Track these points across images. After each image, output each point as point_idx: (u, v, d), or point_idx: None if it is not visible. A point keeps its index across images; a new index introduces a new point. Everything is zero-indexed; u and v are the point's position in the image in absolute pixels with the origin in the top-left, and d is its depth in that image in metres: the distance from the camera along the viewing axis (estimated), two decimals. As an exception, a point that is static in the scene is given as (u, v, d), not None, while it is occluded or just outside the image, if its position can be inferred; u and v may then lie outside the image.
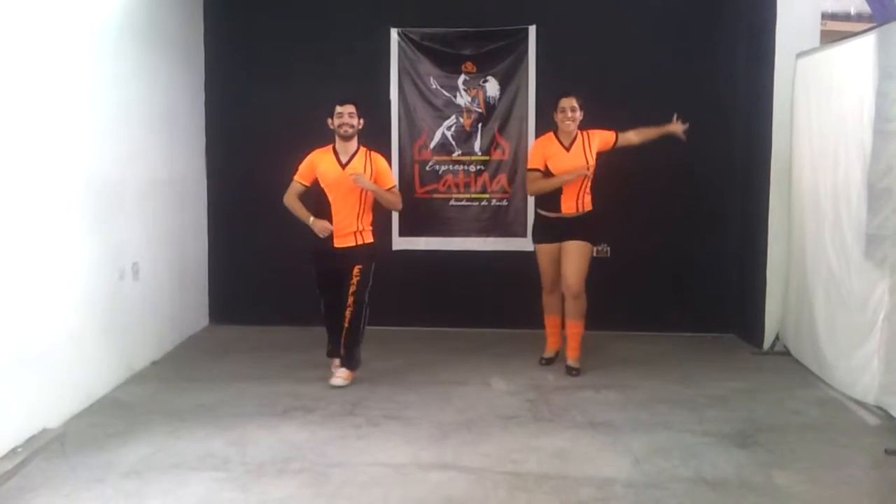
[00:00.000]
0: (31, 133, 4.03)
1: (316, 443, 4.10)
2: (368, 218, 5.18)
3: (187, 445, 4.04)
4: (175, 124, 6.15)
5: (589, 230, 5.37)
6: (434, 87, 6.76)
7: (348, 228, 5.06)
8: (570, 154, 5.31)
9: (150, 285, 5.58)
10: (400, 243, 6.83)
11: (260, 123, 6.66)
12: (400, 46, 6.73)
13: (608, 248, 6.57)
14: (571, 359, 5.42)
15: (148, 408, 4.65)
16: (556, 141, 5.38)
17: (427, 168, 6.82)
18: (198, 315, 6.71)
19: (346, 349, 5.12)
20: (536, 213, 5.63)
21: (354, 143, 5.08)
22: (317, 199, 5.09)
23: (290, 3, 6.73)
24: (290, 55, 6.68)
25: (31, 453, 3.80)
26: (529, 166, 5.45)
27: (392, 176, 5.29)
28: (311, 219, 5.03)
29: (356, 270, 5.06)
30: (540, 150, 5.41)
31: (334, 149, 5.09)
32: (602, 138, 5.40)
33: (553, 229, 5.39)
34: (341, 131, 5.02)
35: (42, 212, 4.13)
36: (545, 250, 5.45)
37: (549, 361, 5.59)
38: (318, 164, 5.06)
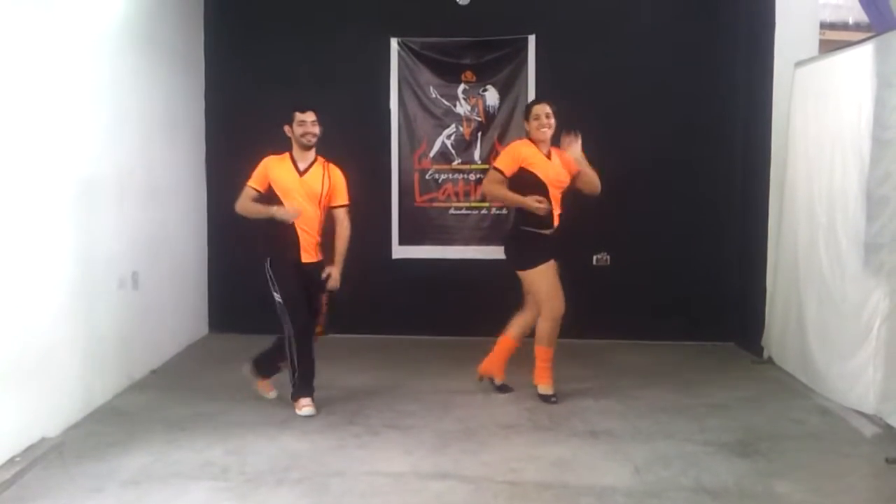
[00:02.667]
0: (32, 140, 4.03)
1: (315, 452, 4.09)
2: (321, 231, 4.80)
3: (186, 454, 4.03)
4: (175, 132, 6.16)
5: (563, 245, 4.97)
6: (434, 96, 6.77)
7: (310, 239, 4.72)
8: (551, 162, 4.88)
9: (150, 294, 5.58)
10: (400, 252, 6.83)
11: (260, 131, 6.61)
12: (400, 56, 6.75)
13: (608, 257, 6.58)
14: (548, 385, 5.02)
15: (147, 417, 4.64)
16: (533, 146, 4.88)
17: (427, 177, 6.83)
18: (197, 324, 6.71)
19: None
20: (526, 233, 4.89)
21: (313, 151, 4.76)
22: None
23: (290, 11, 6.76)
24: (290, 63, 6.70)
25: (30, 462, 3.79)
26: (497, 165, 4.89)
27: (346, 193, 4.83)
28: (274, 208, 4.62)
29: (325, 299, 4.76)
30: (516, 155, 4.86)
31: (291, 156, 4.75)
32: (568, 165, 4.92)
33: (551, 246, 4.90)
34: (304, 140, 4.68)
35: (41, 219, 4.13)
36: (549, 268, 4.87)
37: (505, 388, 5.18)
38: (272, 171, 4.70)
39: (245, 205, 4.73)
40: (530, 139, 4.93)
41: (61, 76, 4.37)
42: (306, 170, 4.75)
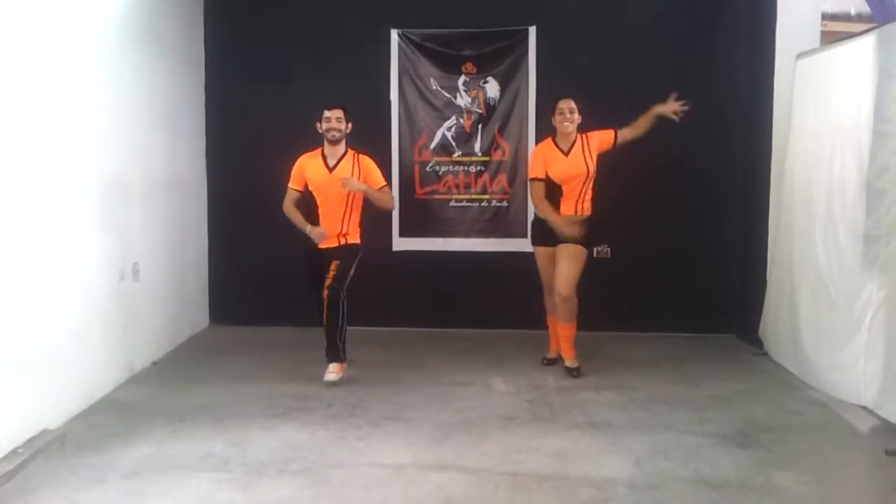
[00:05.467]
0: (33, 135, 4.03)
1: (316, 443, 4.10)
2: (355, 220, 5.25)
3: (188, 446, 4.04)
4: (175, 126, 6.15)
5: (584, 233, 5.30)
6: (434, 87, 6.76)
7: (332, 232, 5.17)
8: (568, 159, 5.27)
9: (151, 286, 5.58)
10: (400, 244, 6.84)
11: (260, 125, 6.67)
12: (400, 47, 6.74)
13: (608, 249, 6.58)
14: (569, 360, 5.42)
15: (148, 408, 4.65)
16: (554, 146, 5.32)
17: (427, 169, 6.83)
18: (198, 315, 6.71)
19: (326, 342, 5.16)
20: (536, 217, 5.54)
21: (342, 146, 5.16)
22: (307, 203, 5.21)
23: (290, 4, 6.74)
24: (289, 57, 6.69)
25: (32, 454, 3.80)
26: (532, 176, 5.39)
27: (381, 175, 5.29)
28: (308, 227, 5.13)
29: (334, 265, 5.11)
30: (540, 158, 5.35)
31: (322, 153, 5.17)
32: (601, 138, 5.33)
33: (551, 232, 5.30)
34: (329, 136, 5.09)
35: (43, 212, 4.13)
36: (542, 253, 5.44)
37: (550, 362, 5.60)
38: (307, 168, 5.16)
39: (289, 207, 5.22)
40: (553, 136, 5.36)
41: (61, 71, 4.36)
42: (336, 164, 5.12)
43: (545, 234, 5.35)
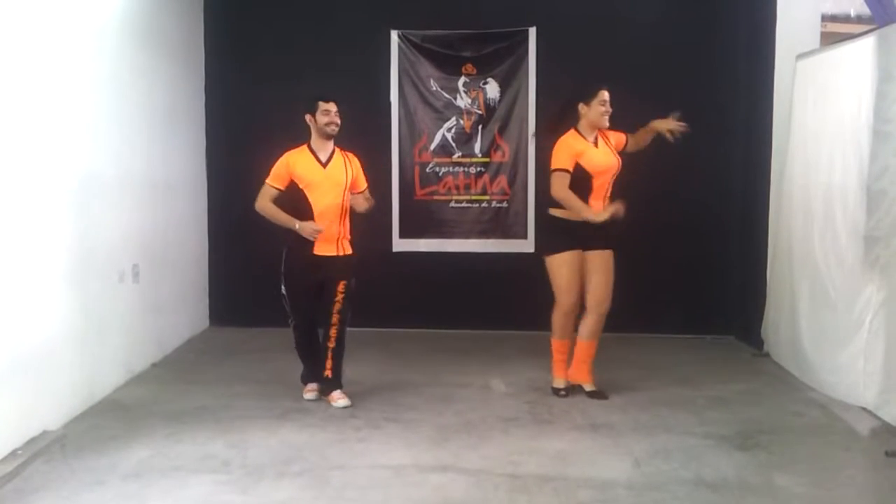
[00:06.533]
0: (32, 134, 4.02)
1: (316, 445, 4.09)
2: (348, 224, 4.79)
3: (187, 448, 4.04)
4: (175, 126, 6.16)
5: (615, 236, 4.82)
6: (434, 89, 6.76)
7: (331, 233, 4.67)
8: (600, 150, 4.81)
9: (150, 287, 5.58)
10: (400, 245, 6.84)
11: (260, 125, 6.66)
12: (400, 48, 6.74)
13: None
14: (593, 383, 4.97)
15: (148, 410, 4.65)
16: (581, 137, 4.81)
17: (427, 170, 6.83)
18: (198, 317, 6.71)
19: (333, 370, 4.76)
20: (552, 218, 4.87)
21: (331, 142, 4.75)
22: (293, 204, 4.68)
23: (290, 4, 6.74)
24: (289, 57, 6.69)
25: (32, 455, 3.79)
26: (558, 166, 4.72)
27: (364, 177, 4.89)
28: (297, 224, 4.60)
29: (342, 286, 4.69)
30: (568, 149, 4.75)
31: (310, 147, 4.72)
32: (616, 139, 4.94)
33: (578, 235, 4.74)
34: (328, 129, 4.65)
35: (42, 213, 4.12)
36: (569, 259, 4.76)
37: (568, 392, 4.95)
38: (295, 166, 4.65)
39: (265, 205, 4.71)
40: (577, 129, 4.83)
41: (61, 70, 4.36)
42: (328, 161, 4.73)
43: (571, 237, 4.76)
